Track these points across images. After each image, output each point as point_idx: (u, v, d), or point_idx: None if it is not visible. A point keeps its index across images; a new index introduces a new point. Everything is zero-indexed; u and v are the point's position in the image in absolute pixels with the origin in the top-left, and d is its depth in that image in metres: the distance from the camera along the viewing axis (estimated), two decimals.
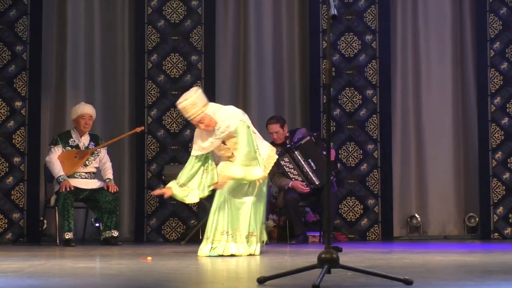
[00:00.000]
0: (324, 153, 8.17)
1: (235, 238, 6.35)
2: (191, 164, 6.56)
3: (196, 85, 9.07)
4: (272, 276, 4.05)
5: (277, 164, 8.28)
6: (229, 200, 6.40)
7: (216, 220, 6.36)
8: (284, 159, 8.27)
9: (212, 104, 6.52)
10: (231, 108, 6.58)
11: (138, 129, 8.62)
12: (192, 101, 6.33)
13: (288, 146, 8.32)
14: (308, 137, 8.30)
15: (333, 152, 8.48)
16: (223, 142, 6.49)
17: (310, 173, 8.26)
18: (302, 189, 8.25)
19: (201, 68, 9.19)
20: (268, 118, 8.60)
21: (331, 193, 8.06)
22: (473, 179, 9.48)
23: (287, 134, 8.47)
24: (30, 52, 8.90)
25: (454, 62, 9.72)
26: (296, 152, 8.25)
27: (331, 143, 8.89)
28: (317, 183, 8.25)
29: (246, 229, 6.40)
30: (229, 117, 6.43)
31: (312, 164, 8.25)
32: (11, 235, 8.72)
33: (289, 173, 8.30)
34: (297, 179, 8.27)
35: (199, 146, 6.54)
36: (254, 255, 6.35)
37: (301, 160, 8.25)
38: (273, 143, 7.78)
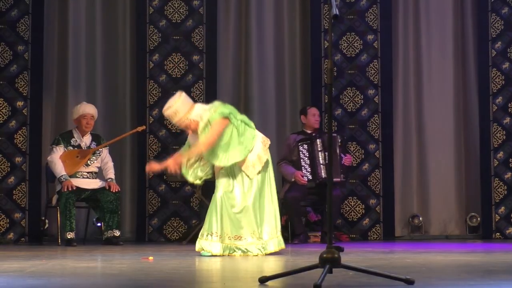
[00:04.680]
0: (343, 155, 8.30)
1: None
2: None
3: (197, 85, 9.15)
4: (273, 275, 4.05)
5: (292, 150, 8.36)
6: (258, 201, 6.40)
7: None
8: (304, 145, 8.38)
9: (198, 107, 6.36)
10: (213, 104, 6.42)
11: (140, 128, 8.62)
12: (174, 110, 6.22)
13: (314, 135, 8.45)
14: (336, 134, 8.37)
15: (349, 158, 8.53)
16: None
17: (320, 165, 8.29)
18: (300, 179, 8.26)
19: (202, 68, 9.19)
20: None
21: (335, 196, 8.08)
22: (475, 178, 9.47)
23: (318, 126, 8.65)
24: (32, 52, 8.91)
25: (455, 61, 9.71)
26: (317, 141, 8.34)
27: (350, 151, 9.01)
28: (322, 176, 8.26)
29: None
30: (204, 112, 6.30)
31: (327, 157, 8.30)
32: (12, 235, 8.72)
33: (301, 160, 8.35)
34: (304, 173, 8.31)
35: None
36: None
37: (318, 150, 8.33)
38: (302, 132, 8.27)
